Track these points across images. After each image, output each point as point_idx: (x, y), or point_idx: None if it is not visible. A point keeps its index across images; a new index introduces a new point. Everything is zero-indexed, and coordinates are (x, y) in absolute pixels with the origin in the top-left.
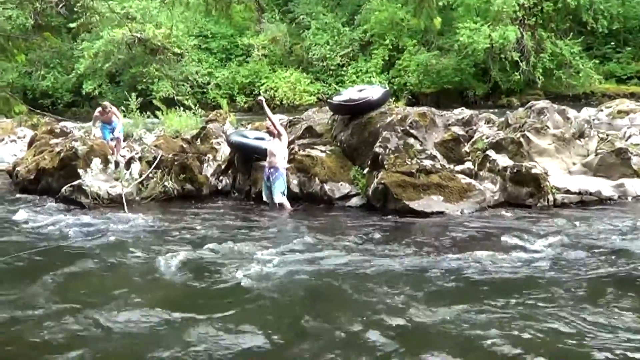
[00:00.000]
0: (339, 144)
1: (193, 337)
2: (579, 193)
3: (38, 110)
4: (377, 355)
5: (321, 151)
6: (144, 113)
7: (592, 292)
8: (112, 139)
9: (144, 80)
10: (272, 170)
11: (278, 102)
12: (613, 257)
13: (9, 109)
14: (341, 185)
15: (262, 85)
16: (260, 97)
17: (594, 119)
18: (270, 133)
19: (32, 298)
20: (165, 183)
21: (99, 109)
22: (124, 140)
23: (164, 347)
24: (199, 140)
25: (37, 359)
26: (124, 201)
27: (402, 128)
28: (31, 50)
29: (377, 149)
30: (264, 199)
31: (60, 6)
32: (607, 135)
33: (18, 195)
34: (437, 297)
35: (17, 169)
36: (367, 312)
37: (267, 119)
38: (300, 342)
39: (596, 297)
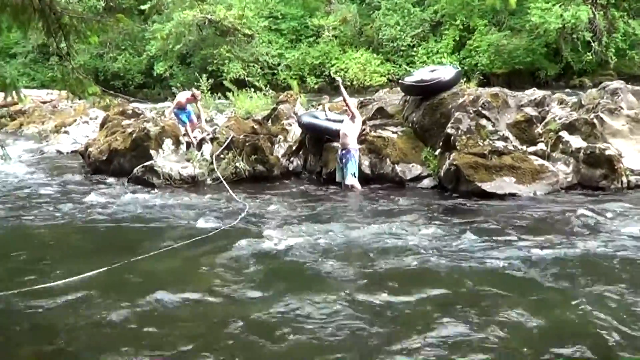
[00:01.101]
0: (410, 125)
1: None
2: None
3: (111, 92)
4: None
5: (393, 132)
6: (215, 94)
7: None
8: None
9: (215, 61)
10: (344, 151)
11: (348, 83)
12: None
13: (83, 90)
14: (412, 166)
15: (332, 66)
16: (337, 78)
17: None
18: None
19: (120, 275)
20: (237, 164)
21: (188, 94)
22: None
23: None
24: (270, 121)
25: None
26: (224, 181)
27: (474, 109)
28: (103, 32)
29: (449, 130)
30: (337, 179)
31: None
32: None
33: (91, 176)
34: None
35: (90, 149)
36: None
37: (342, 99)
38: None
39: None
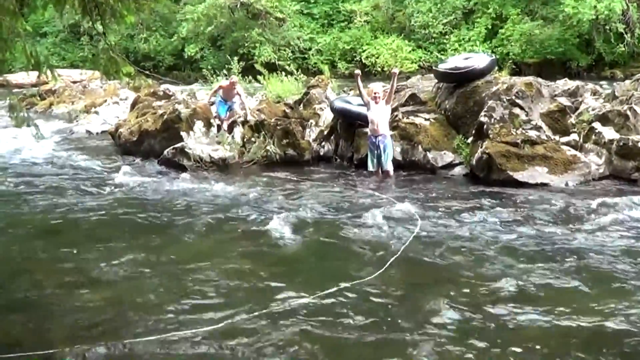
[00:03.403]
0: (443, 112)
1: None
2: None
3: (147, 72)
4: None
5: (425, 119)
6: (246, 77)
7: None
8: (227, 116)
9: (246, 44)
10: (380, 138)
11: (379, 69)
12: None
13: (117, 70)
14: (444, 153)
15: (363, 51)
16: (395, 69)
17: None
18: (375, 100)
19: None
20: (268, 147)
21: (226, 82)
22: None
23: None
24: (301, 105)
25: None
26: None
27: (507, 97)
28: (139, 12)
29: (482, 118)
30: (370, 168)
31: None
32: None
33: (121, 157)
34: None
35: (120, 130)
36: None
37: (390, 87)
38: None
39: None
